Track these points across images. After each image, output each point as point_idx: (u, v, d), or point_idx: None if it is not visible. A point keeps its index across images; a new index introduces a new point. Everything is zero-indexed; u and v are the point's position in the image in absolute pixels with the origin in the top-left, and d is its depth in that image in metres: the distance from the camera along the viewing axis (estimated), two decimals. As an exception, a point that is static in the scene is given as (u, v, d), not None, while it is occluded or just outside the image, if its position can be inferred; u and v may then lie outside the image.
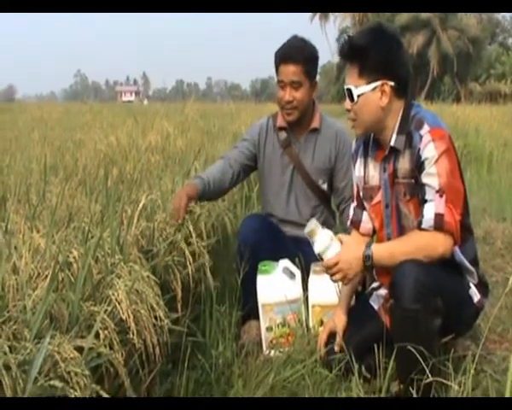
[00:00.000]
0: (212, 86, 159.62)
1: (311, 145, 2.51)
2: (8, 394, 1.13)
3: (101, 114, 9.98)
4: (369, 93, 1.75)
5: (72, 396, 1.22)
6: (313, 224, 1.81)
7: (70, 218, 2.04)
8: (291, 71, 2.36)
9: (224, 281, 2.56)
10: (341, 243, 1.77)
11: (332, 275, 1.76)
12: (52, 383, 1.20)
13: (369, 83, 1.74)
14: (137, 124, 6.51)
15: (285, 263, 2.30)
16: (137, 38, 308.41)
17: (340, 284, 1.97)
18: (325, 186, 2.54)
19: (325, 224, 2.53)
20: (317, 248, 1.79)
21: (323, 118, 2.54)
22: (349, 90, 1.77)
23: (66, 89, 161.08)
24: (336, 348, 1.91)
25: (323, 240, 1.78)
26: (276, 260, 2.31)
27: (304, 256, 2.30)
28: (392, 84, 1.74)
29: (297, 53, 2.36)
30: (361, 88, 1.75)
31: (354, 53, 1.76)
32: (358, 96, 1.75)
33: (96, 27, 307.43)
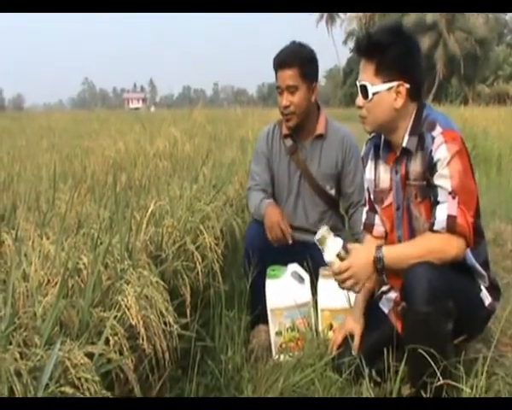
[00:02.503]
0: (219, 92, 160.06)
1: (317, 151, 2.50)
2: (20, 400, 1.14)
3: (109, 122, 10.04)
4: (384, 93, 1.72)
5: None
6: (324, 231, 1.78)
7: (79, 224, 2.06)
8: (287, 75, 2.35)
9: (233, 286, 2.56)
10: (349, 251, 1.76)
11: (343, 281, 1.74)
12: (63, 389, 1.21)
13: (385, 82, 1.71)
14: (145, 130, 6.54)
15: (294, 267, 2.29)
16: (144, 46, 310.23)
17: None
18: (333, 191, 2.53)
19: (334, 229, 2.51)
20: (327, 256, 1.77)
21: (329, 123, 2.52)
22: (363, 87, 1.74)
23: (74, 97, 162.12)
24: (354, 352, 1.89)
25: (335, 248, 1.76)
26: (284, 263, 2.31)
27: (312, 260, 2.29)
28: (407, 86, 1.72)
29: (291, 57, 2.35)
30: (376, 86, 1.72)
31: (373, 49, 1.72)
32: (373, 94, 1.72)
33: (103, 34, 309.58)
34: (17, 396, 1.15)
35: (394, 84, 1.71)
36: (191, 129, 6.44)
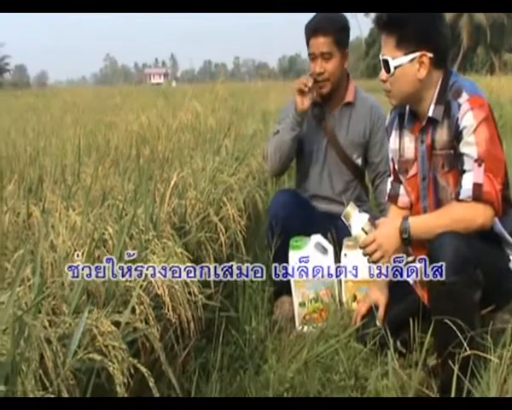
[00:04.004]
0: (240, 66, 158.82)
1: (345, 119, 2.47)
2: (50, 366, 1.16)
3: (131, 97, 10.06)
4: (407, 65, 1.70)
5: (111, 369, 1.25)
6: (349, 207, 1.81)
7: (104, 196, 2.08)
8: (321, 42, 2.32)
9: (257, 257, 2.56)
10: (376, 225, 1.76)
11: (370, 254, 1.74)
12: (91, 356, 1.23)
13: (406, 54, 1.69)
14: (168, 104, 6.53)
15: (317, 238, 2.28)
16: (165, 20, 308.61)
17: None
18: (359, 161, 2.51)
19: (358, 199, 2.51)
20: (353, 231, 1.79)
21: (358, 91, 2.50)
22: (385, 62, 1.73)
23: (97, 73, 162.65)
24: (378, 323, 1.89)
25: (360, 222, 1.77)
26: (308, 234, 2.30)
27: (336, 231, 2.28)
28: (430, 55, 1.69)
29: (326, 24, 2.32)
30: (398, 59, 1.70)
31: (392, 22, 1.71)
32: (395, 67, 1.71)
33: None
34: (48, 366, 1.17)
35: (416, 54, 1.69)
36: (213, 102, 6.41)
